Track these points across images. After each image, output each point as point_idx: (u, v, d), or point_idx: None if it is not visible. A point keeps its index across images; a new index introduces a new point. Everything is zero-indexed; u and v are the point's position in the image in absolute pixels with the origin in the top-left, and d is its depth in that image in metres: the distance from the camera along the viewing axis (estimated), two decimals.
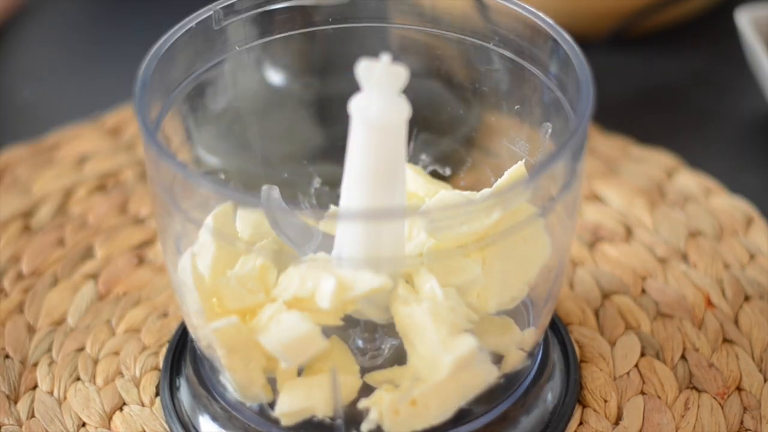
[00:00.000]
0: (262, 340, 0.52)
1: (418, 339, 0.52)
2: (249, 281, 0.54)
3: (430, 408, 0.54)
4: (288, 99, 0.68)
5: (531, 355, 0.58)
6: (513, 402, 0.57)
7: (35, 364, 0.63)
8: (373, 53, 0.51)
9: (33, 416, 0.60)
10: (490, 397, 0.56)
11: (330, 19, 0.60)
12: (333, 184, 0.61)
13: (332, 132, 0.64)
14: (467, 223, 0.52)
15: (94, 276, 0.67)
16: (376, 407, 0.53)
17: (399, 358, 0.56)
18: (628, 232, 0.70)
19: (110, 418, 0.60)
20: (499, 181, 0.57)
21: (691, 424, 0.59)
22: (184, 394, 0.59)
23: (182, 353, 0.61)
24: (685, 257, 0.68)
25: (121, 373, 0.62)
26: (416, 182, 0.60)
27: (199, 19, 0.57)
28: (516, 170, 0.57)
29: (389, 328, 0.56)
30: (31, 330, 0.64)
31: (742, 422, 0.59)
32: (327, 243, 0.55)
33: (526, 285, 0.55)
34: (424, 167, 0.65)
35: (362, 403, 0.53)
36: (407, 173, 0.60)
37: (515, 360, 0.57)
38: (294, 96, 0.67)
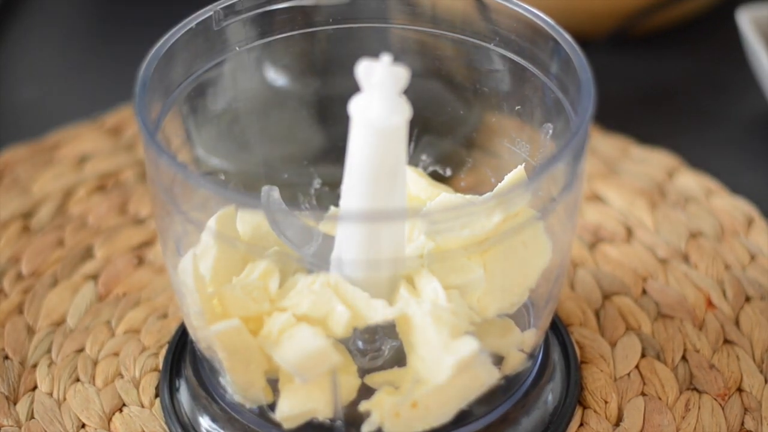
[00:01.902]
0: (275, 355, 0.52)
1: (418, 341, 0.52)
2: (254, 290, 0.54)
3: (430, 410, 0.54)
4: (288, 99, 0.68)
5: (531, 356, 0.58)
6: (513, 403, 0.57)
7: (35, 365, 0.62)
8: (374, 54, 0.51)
9: (32, 417, 0.60)
10: (490, 398, 0.56)
11: (330, 20, 0.60)
12: (333, 184, 0.61)
13: (333, 133, 0.64)
14: (468, 227, 0.52)
15: (93, 277, 0.67)
16: (377, 410, 0.53)
17: (399, 359, 0.56)
18: (629, 233, 0.70)
19: (110, 419, 0.60)
20: (500, 185, 0.57)
21: (691, 426, 0.59)
22: (183, 396, 0.59)
23: (182, 354, 0.61)
24: (685, 258, 0.68)
25: (120, 374, 0.62)
26: (418, 185, 0.60)
27: (199, 20, 0.57)
28: (516, 174, 0.57)
29: (389, 330, 0.55)
30: (30, 331, 0.64)
31: (742, 423, 0.59)
32: (327, 244, 0.55)
33: (526, 290, 0.55)
34: (425, 168, 0.65)
35: (363, 406, 0.53)
36: (409, 176, 0.60)
37: (516, 361, 0.57)
38: (294, 96, 0.67)
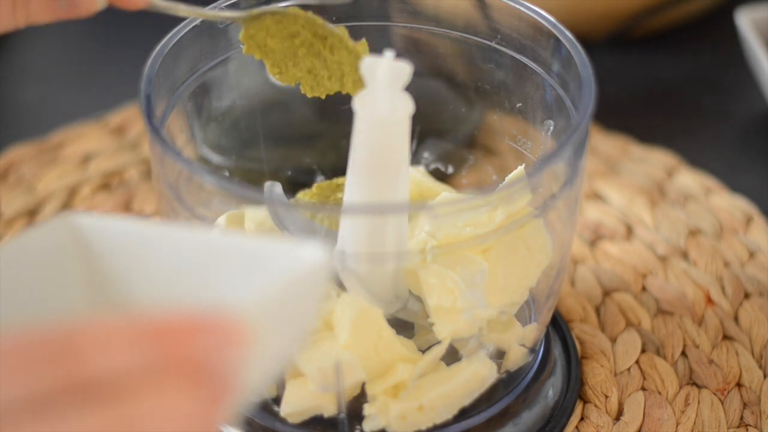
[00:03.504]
0: (297, 358, 0.53)
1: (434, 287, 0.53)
2: None
3: (435, 410, 0.54)
4: (291, 97, 0.68)
5: (532, 351, 0.58)
6: (515, 397, 0.57)
7: None
8: (377, 52, 0.52)
9: None
10: (492, 392, 0.56)
11: (333, 18, 0.60)
12: None
13: (335, 130, 0.65)
14: (470, 225, 0.53)
15: None
16: (382, 415, 0.53)
17: None
18: (629, 231, 0.70)
19: None
20: (501, 185, 0.57)
21: (691, 420, 0.59)
22: None
23: None
24: (685, 255, 0.68)
25: None
26: (422, 185, 0.60)
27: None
28: (516, 174, 0.57)
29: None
30: None
31: (741, 418, 0.60)
32: (330, 238, 0.55)
33: (527, 289, 0.56)
34: (427, 165, 0.65)
35: (368, 410, 0.54)
36: (413, 176, 0.60)
37: (517, 356, 0.57)
38: (297, 94, 0.68)
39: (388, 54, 0.51)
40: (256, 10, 0.55)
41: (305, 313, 0.40)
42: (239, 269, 0.39)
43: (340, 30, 0.55)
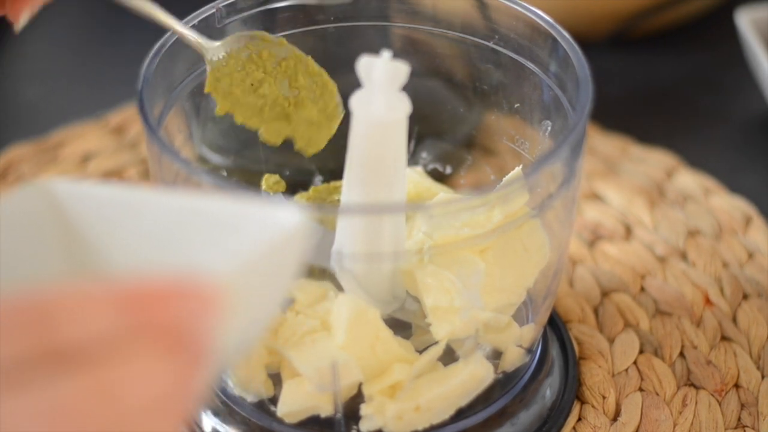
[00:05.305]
0: (294, 358, 0.53)
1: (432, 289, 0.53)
2: (309, 314, 0.54)
3: (432, 410, 0.54)
4: None
5: (530, 351, 0.58)
6: (512, 398, 0.58)
7: None
8: (375, 52, 0.52)
9: None
10: (489, 393, 0.56)
11: (332, 18, 0.61)
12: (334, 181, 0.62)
13: None
14: (467, 225, 0.53)
15: None
16: (379, 416, 0.54)
17: None
18: (628, 231, 0.70)
19: None
20: (498, 186, 0.57)
21: (688, 421, 0.59)
22: None
23: None
24: (684, 256, 0.68)
25: None
26: (419, 186, 0.60)
27: (201, 17, 0.57)
28: (514, 174, 0.57)
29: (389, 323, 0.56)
30: None
31: (739, 419, 0.60)
32: (328, 238, 0.55)
33: (524, 290, 0.56)
34: (425, 166, 0.65)
35: (365, 411, 0.54)
36: (411, 176, 0.60)
37: (514, 356, 0.57)
38: None
39: (385, 54, 0.51)
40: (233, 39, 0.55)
41: (282, 278, 0.39)
42: (216, 233, 0.39)
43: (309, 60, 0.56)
